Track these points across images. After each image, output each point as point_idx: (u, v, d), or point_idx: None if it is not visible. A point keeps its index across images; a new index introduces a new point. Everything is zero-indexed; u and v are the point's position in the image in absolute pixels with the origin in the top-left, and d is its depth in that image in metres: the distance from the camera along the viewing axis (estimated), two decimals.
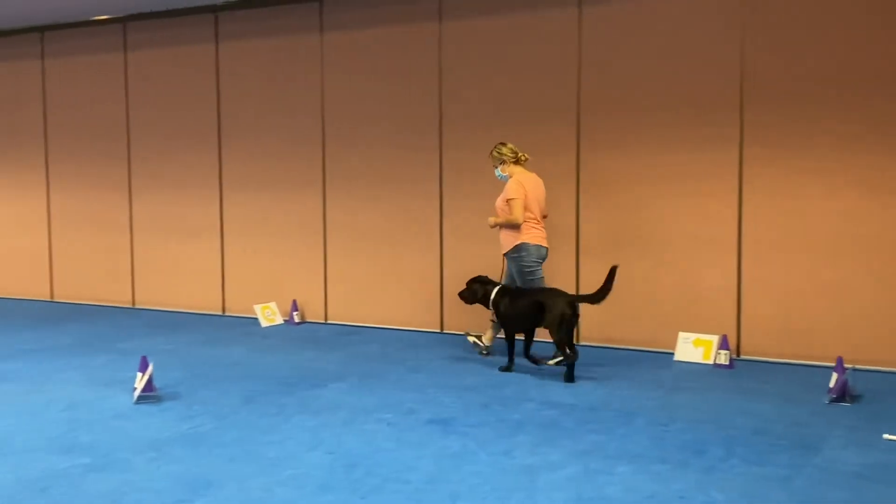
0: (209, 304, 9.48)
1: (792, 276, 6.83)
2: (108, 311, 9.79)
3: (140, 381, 5.86)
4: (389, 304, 8.45)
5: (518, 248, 6.80)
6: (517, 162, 6.94)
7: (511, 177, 6.89)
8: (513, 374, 6.57)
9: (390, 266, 8.43)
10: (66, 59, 10.20)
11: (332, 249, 8.73)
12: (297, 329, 8.49)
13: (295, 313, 8.74)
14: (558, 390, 6.09)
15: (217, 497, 4.13)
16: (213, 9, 9.12)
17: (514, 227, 6.75)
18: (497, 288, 6.71)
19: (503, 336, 6.88)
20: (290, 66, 8.85)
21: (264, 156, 9.04)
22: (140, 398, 5.83)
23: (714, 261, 7.09)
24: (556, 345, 6.39)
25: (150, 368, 5.91)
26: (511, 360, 6.68)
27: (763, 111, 6.83)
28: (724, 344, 6.88)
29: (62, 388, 6.27)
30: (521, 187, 6.76)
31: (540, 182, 6.95)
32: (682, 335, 7.10)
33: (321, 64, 8.66)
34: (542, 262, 6.88)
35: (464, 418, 5.39)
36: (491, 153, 6.99)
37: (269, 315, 8.77)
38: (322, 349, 7.53)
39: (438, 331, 8.25)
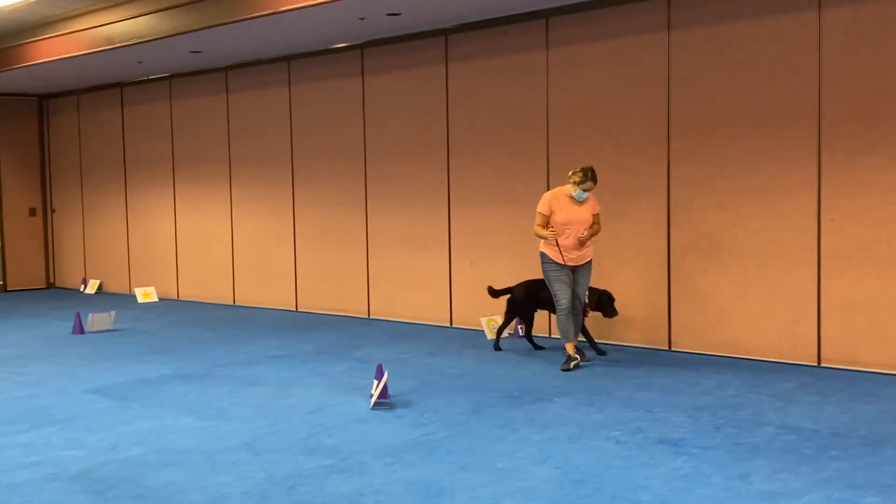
0: (437, 315, 9.79)
1: None
2: (346, 321, 10.35)
3: (376, 389, 6.16)
4: (615, 319, 8.33)
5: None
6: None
7: (589, 195, 7.45)
8: (747, 396, 6.30)
9: (614, 281, 8.31)
10: (308, 85, 10.94)
11: None
12: (522, 342, 8.58)
13: (519, 327, 8.84)
14: (798, 414, 5.76)
15: None
16: (443, 31, 9.46)
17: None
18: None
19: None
20: (515, 83, 8.99)
21: (489, 172, 9.24)
22: (376, 404, 6.13)
23: None
24: None
25: (386, 376, 6.20)
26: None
27: None
28: None
29: (306, 392, 6.71)
30: None
31: None
32: None
33: (546, 79, 8.73)
34: None
35: (695, 439, 5.22)
36: (592, 180, 7.34)
37: (495, 328, 8.91)
38: (547, 363, 7.56)
39: (667, 348, 8.05)
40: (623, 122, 8.25)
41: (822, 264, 7.17)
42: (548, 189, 8.73)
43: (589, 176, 7.34)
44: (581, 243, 7.39)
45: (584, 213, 7.44)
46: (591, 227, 7.47)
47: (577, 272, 7.47)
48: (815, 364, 7.21)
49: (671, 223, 8.00)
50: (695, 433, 5.35)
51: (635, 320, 8.25)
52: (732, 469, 4.67)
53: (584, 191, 7.37)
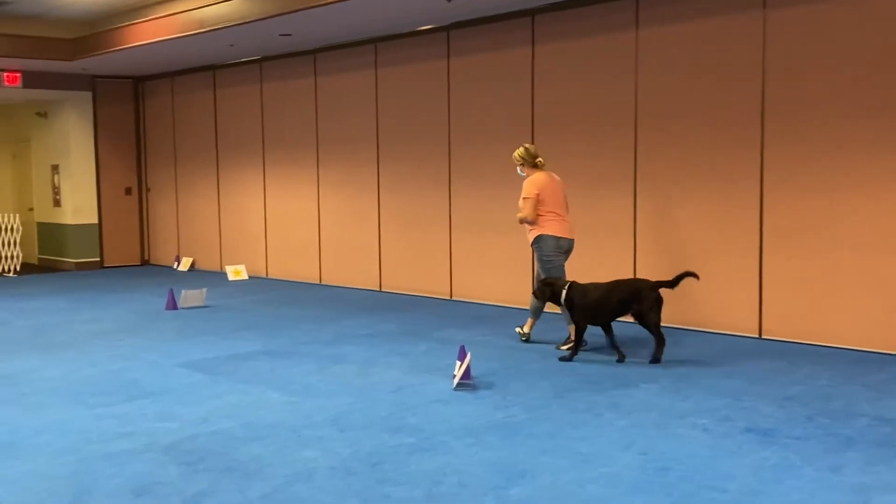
0: (520, 298, 9.75)
1: None
2: (429, 301, 10.40)
3: (458, 370, 6.18)
4: (702, 305, 8.18)
5: (537, 240, 7.51)
6: (535, 167, 7.59)
7: (527, 177, 7.57)
8: (840, 386, 6.09)
9: (704, 266, 8.14)
10: (394, 67, 10.99)
11: (642, 247, 8.62)
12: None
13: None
14: (893, 406, 5.54)
15: (531, 487, 4.26)
16: (530, 12, 9.37)
17: (530, 222, 7.48)
18: (567, 285, 7.10)
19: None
20: (603, 64, 8.85)
21: (574, 154, 9.13)
22: (458, 385, 6.15)
23: None
24: (652, 329, 6.85)
25: (468, 358, 6.21)
26: (577, 350, 7.08)
27: None
28: None
29: (389, 371, 6.78)
30: (534, 186, 7.46)
31: (557, 179, 7.63)
32: None
33: (635, 61, 8.57)
34: (562, 253, 7.50)
35: (785, 429, 5.09)
36: (513, 155, 7.69)
37: None
38: (632, 349, 7.45)
39: (757, 336, 7.85)
40: (714, 104, 8.04)
41: None
42: (634, 172, 8.62)
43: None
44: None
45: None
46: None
47: None
48: None
49: (763, 208, 7.77)
50: (785, 423, 5.21)
51: (724, 307, 8.06)
52: (824, 460, 4.54)
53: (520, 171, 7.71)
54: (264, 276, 13.16)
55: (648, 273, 8.59)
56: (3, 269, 14.24)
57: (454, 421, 5.38)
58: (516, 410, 5.60)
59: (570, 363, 6.95)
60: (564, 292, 7.04)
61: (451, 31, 10.24)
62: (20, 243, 14.44)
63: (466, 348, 6.36)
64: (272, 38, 11.01)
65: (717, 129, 8.03)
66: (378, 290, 11.38)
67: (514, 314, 9.36)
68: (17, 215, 14.62)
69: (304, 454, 4.79)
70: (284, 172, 12.76)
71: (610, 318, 7.00)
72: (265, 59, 12.75)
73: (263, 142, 13.05)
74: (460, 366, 6.18)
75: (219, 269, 13.89)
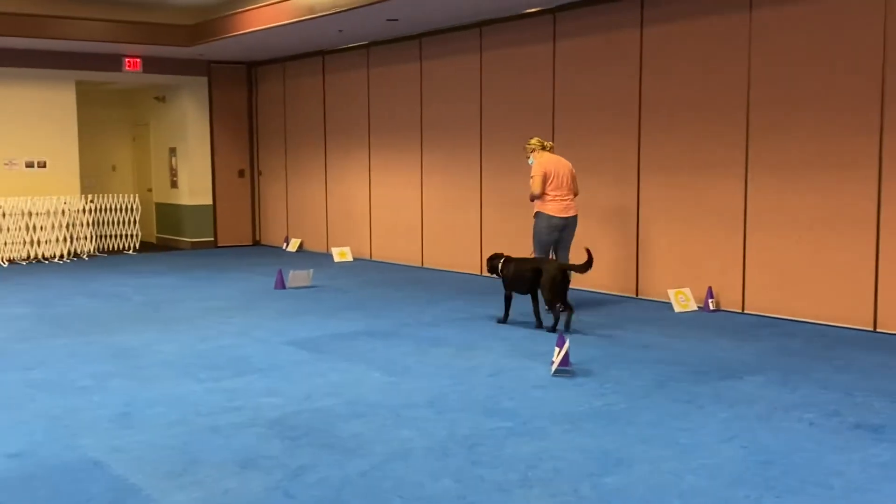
0: (624, 285, 9.62)
1: None
2: None
3: (557, 356, 6.16)
4: (814, 296, 7.90)
5: (535, 215, 8.45)
6: (543, 149, 8.46)
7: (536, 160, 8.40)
8: None
9: (817, 256, 7.86)
10: (499, 51, 10.95)
11: (752, 236, 8.37)
12: (712, 317, 8.30)
13: (710, 300, 8.55)
14: None
15: (628, 476, 4.22)
16: None
17: (537, 197, 8.33)
18: (503, 260, 8.08)
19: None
20: (715, 48, 8.61)
21: (682, 139, 8.92)
22: (557, 372, 6.13)
23: None
24: (547, 303, 7.68)
25: (567, 344, 6.18)
26: (506, 314, 8.07)
27: None
28: None
29: (487, 355, 6.80)
30: (541, 166, 8.29)
31: (564, 163, 8.38)
32: None
33: (748, 42, 8.30)
34: (553, 230, 8.31)
35: None
36: (526, 147, 8.59)
37: (683, 301, 8.67)
38: (738, 339, 7.27)
39: (871, 329, 7.54)
40: (830, 88, 7.71)
41: None
42: (746, 159, 8.37)
43: None
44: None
45: None
46: None
47: None
48: None
49: (881, 197, 7.43)
50: None
51: (837, 298, 7.76)
52: None
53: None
54: (368, 258, 13.37)
55: (756, 266, 8.36)
56: (124, 246, 14.91)
57: (552, 407, 5.37)
58: (615, 398, 5.55)
59: (672, 352, 6.83)
60: (500, 265, 8.03)
61: (558, 14, 10.13)
62: (139, 222, 15.08)
63: (565, 335, 6.32)
64: (380, 23, 11.13)
65: (833, 113, 7.71)
66: (479, 274, 11.42)
67: (615, 301, 9.25)
68: (137, 196, 15.26)
69: (402, 434, 4.87)
70: (389, 157, 12.92)
71: (526, 288, 7.86)
72: (372, 44, 12.91)
73: (369, 126, 13.23)
74: (559, 352, 6.15)
75: (325, 251, 14.20)
